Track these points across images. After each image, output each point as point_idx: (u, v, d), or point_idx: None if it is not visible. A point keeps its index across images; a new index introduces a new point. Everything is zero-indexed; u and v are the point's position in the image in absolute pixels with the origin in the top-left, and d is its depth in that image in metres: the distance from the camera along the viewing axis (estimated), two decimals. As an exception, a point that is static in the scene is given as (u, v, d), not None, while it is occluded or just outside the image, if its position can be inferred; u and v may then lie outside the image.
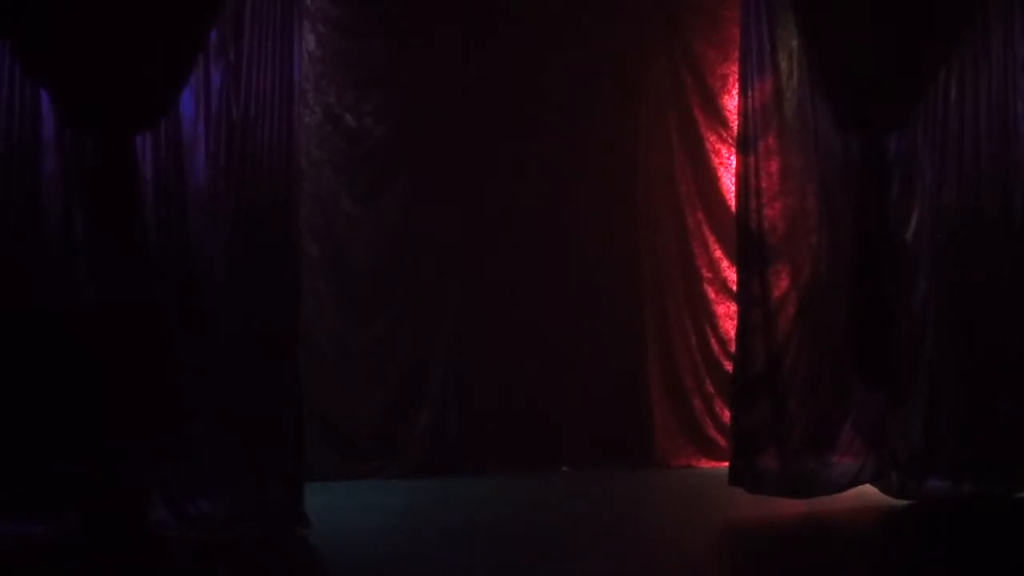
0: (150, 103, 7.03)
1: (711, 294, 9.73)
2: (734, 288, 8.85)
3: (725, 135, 9.63)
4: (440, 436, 9.25)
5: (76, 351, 6.92)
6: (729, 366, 8.85)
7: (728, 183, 9.36)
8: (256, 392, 7.17)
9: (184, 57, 7.05)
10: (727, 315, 9.52)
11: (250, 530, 7.08)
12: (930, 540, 7.19)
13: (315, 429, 8.33)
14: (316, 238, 8.97)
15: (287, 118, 7.30)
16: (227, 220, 7.24)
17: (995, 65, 7.93)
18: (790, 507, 7.68)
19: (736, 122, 8.29)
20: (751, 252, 7.93)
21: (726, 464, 8.09)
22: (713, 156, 9.75)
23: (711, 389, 9.67)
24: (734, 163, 8.52)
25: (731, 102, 9.46)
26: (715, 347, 9.68)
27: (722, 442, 9.19)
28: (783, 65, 7.91)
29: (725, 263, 9.62)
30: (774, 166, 7.93)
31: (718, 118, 9.73)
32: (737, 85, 8.18)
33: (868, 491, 7.86)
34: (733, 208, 8.42)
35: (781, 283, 7.93)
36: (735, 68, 8.63)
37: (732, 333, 8.69)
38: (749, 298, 7.93)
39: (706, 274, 9.75)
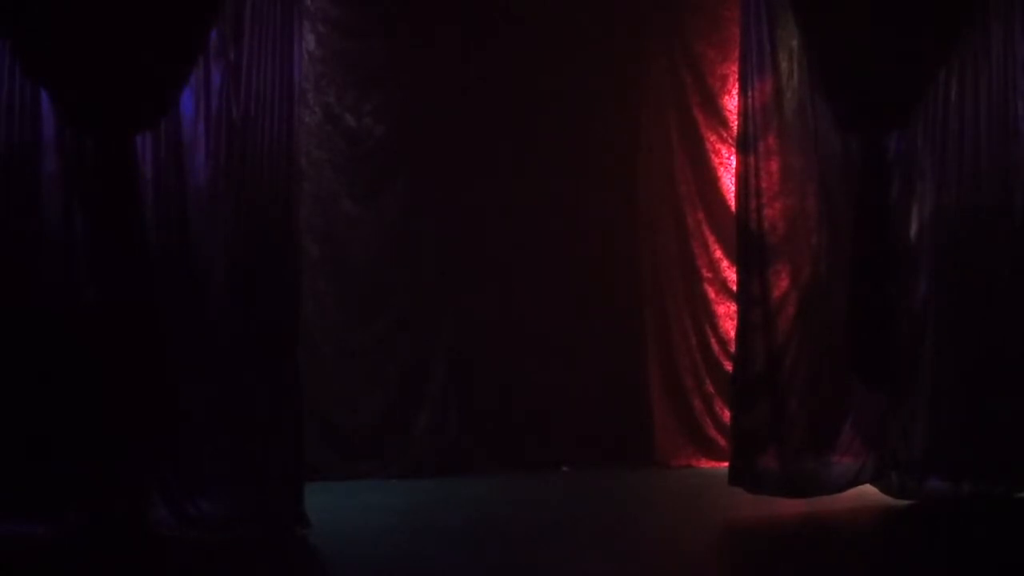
0: (150, 103, 7.03)
1: (711, 294, 9.73)
2: (734, 288, 8.85)
3: (725, 135, 9.63)
4: (440, 436, 9.25)
5: (76, 351, 6.92)
6: (729, 366, 8.84)
7: (728, 183, 9.36)
8: (256, 392, 7.17)
9: (184, 57, 7.05)
10: (727, 315, 9.51)
11: (250, 530, 7.08)
12: (930, 540, 7.19)
13: (315, 429, 8.33)
14: (316, 238, 8.96)
15: (287, 118, 7.29)
16: (227, 220, 7.24)
17: (995, 65, 7.93)
18: (790, 507, 7.68)
19: (736, 122, 8.29)
20: (751, 252, 7.94)
21: (726, 464, 8.09)
22: (713, 156, 9.74)
23: (711, 389, 9.66)
24: (734, 163, 8.52)
25: (731, 102, 9.45)
26: (715, 347, 9.67)
27: (722, 442, 9.19)
28: (783, 65, 7.91)
29: (725, 263, 9.62)
30: (774, 166, 7.93)
31: (718, 118, 9.73)
32: (737, 85, 8.18)
33: (868, 491, 7.86)
34: (733, 208, 8.42)
35: (781, 283, 7.93)
36: (735, 68, 8.63)
37: (732, 333, 8.69)
38: (749, 298, 7.93)
39: (706, 274, 9.74)
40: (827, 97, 7.80)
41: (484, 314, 9.34)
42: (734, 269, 8.87)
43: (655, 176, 9.89)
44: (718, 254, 9.70)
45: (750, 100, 7.88)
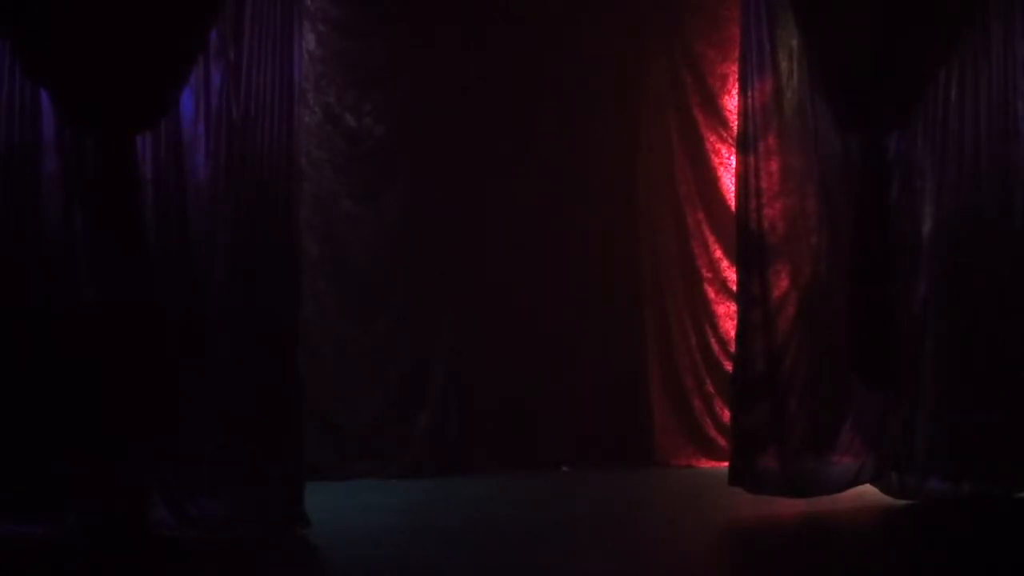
0: (150, 103, 7.03)
1: (711, 294, 9.73)
2: (734, 288, 8.85)
3: (725, 135, 9.63)
4: (440, 436, 9.25)
5: (76, 351, 6.91)
6: (729, 366, 8.85)
7: (728, 183, 9.36)
8: (256, 392, 7.17)
9: (184, 57, 7.05)
10: (727, 315, 9.52)
11: (250, 530, 7.08)
12: (930, 540, 7.19)
13: (315, 429, 8.33)
14: (316, 238, 8.97)
15: (287, 118, 7.29)
16: (227, 220, 7.23)
17: (995, 65, 7.92)
18: (790, 507, 7.68)
19: (736, 122, 8.28)
20: (751, 252, 7.94)
21: (726, 464, 8.09)
22: (713, 156, 9.75)
23: (711, 389, 9.67)
24: (734, 163, 8.51)
25: (731, 102, 9.46)
26: (715, 347, 9.68)
27: (722, 442, 9.19)
28: (783, 65, 7.91)
29: (725, 263, 9.62)
30: (774, 166, 7.93)
31: (718, 118, 9.73)
32: (737, 85, 8.18)
33: (868, 491, 7.86)
34: (733, 208, 8.41)
35: (781, 283, 7.93)
36: (735, 68, 8.63)
37: (732, 333, 8.69)
38: (749, 298, 7.93)
39: (706, 274, 9.75)
40: (827, 97, 7.80)
41: (484, 314, 9.35)
42: (734, 269, 8.87)
43: (655, 176, 9.90)
44: (718, 254, 9.70)
45: (750, 100, 7.88)
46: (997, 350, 7.82)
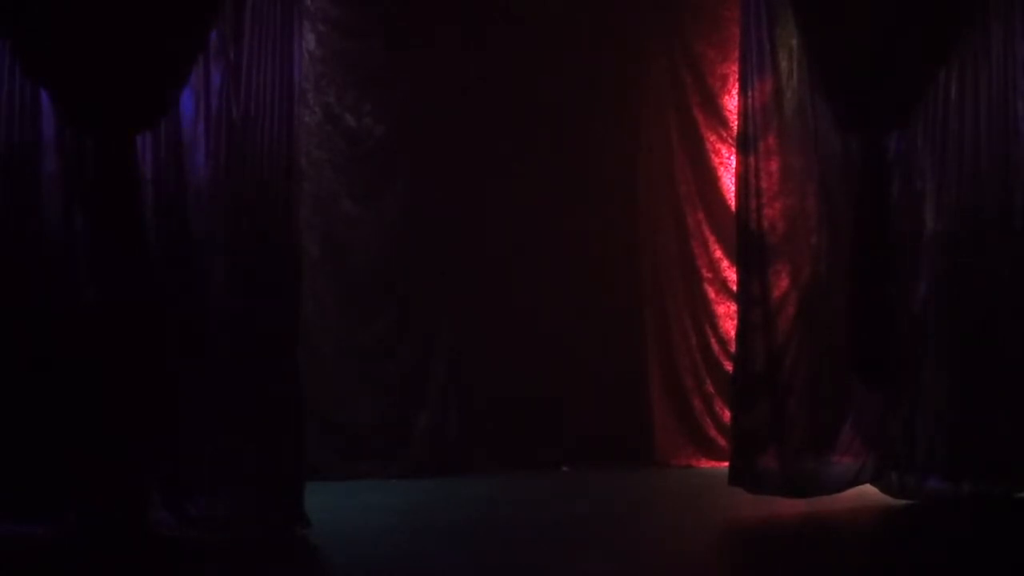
0: (150, 103, 7.02)
1: (711, 294, 9.73)
2: (734, 288, 8.85)
3: (725, 135, 9.63)
4: (440, 436, 9.25)
5: (76, 351, 6.91)
6: (729, 366, 8.85)
7: (728, 183, 9.36)
8: (256, 392, 7.16)
9: (184, 57, 7.05)
10: (727, 315, 9.51)
11: (250, 530, 7.08)
12: (930, 540, 7.19)
13: (315, 429, 8.30)
14: (316, 238, 8.96)
15: (287, 118, 7.29)
16: (227, 220, 7.23)
17: (995, 65, 7.92)
18: (790, 507, 7.68)
19: (736, 122, 8.28)
20: (751, 252, 7.93)
21: (726, 464, 8.09)
22: (713, 156, 9.75)
23: (711, 389, 9.67)
24: (734, 163, 8.51)
25: (731, 102, 9.46)
26: (715, 347, 9.68)
27: (722, 442, 9.19)
28: (783, 65, 7.90)
29: (725, 263, 9.62)
30: (774, 166, 7.93)
31: (718, 118, 9.73)
32: (737, 85, 8.18)
33: (868, 491, 7.86)
34: (733, 208, 8.41)
35: (781, 283, 7.93)
36: (735, 68, 8.62)
37: (732, 333, 8.69)
38: (749, 298, 7.92)
39: (706, 274, 9.75)
40: (827, 97, 7.79)
41: (484, 314, 9.35)
42: (734, 269, 8.87)
43: (655, 176, 9.90)
44: (718, 254, 9.70)
45: (750, 100, 7.87)
46: (997, 350, 7.82)
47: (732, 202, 8.63)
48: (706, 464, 9.50)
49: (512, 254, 9.43)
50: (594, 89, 9.61)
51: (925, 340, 7.88)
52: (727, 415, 8.93)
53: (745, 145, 7.92)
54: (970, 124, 7.90)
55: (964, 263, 7.87)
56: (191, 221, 7.18)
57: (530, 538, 7.27)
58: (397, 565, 6.67)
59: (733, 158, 8.88)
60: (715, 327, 9.69)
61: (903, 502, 7.81)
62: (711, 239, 9.74)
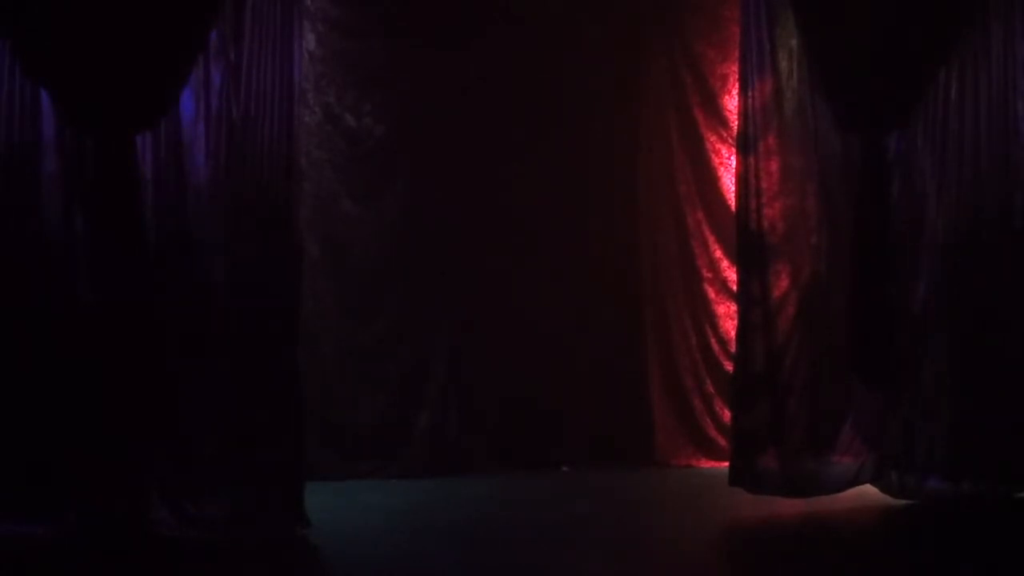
0: (150, 103, 7.03)
1: (711, 294, 9.73)
2: (734, 288, 8.85)
3: (725, 135, 9.63)
4: (440, 436, 9.25)
5: (76, 351, 6.91)
6: (729, 366, 8.85)
7: (728, 183, 9.35)
8: (256, 392, 7.17)
9: (184, 57, 7.05)
10: (727, 315, 9.51)
11: (250, 530, 7.08)
12: (930, 540, 7.19)
13: (315, 429, 8.31)
14: (316, 238, 8.95)
15: (287, 118, 7.29)
16: (227, 220, 7.23)
17: (995, 65, 7.92)
18: (790, 507, 7.68)
19: (736, 122, 8.28)
20: (751, 252, 7.94)
21: (726, 464, 8.09)
22: (713, 156, 9.75)
23: (711, 389, 9.66)
24: (734, 163, 8.51)
25: (731, 102, 9.46)
26: (715, 347, 9.68)
27: (722, 442, 9.19)
28: (783, 65, 7.91)
29: (725, 263, 9.62)
30: (774, 166, 7.93)
31: (718, 118, 9.73)
32: (737, 85, 8.18)
33: (868, 491, 7.86)
34: (733, 208, 8.41)
35: (781, 283, 7.93)
36: (735, 68, 8.62)
37: (732, 333, 8.70)
38: (749, 298, 7.93)
39: (706, 274, 9.75)
40: (827, 97, 7.79)
41: (484, 314, 9.35)
42: (734, 269, 8.87)
43: (655, 176, 9.89)
44: (718, 254, 9.70)
45: (750, 100, 7.88)
46: (997, 350, 7.82)
47: (732, 202, 8.63)
48: (706, 464, 9.50)
49: (512, 254, 9.43)
50: (594, 89, 9.60)
51: (925, 340, 7.88)
52: (727, 415, 8.93)
53: (745, 145, 7.92)
54: (970, 124, 7.91)
55: (964, 263, 7.87)
56: (191, 221, 7.19)
57: (530, 538, 7.27)
58: (397, 565, 6.67)
59: (733, 158, 8.88)
60: (715, 327, 9.69)
61: (903, 502, 7.81)
62: (711, 239, 9.74)
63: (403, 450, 9.16)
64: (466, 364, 9.35)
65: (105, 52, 6.83)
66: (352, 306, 9.18)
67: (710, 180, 9.76)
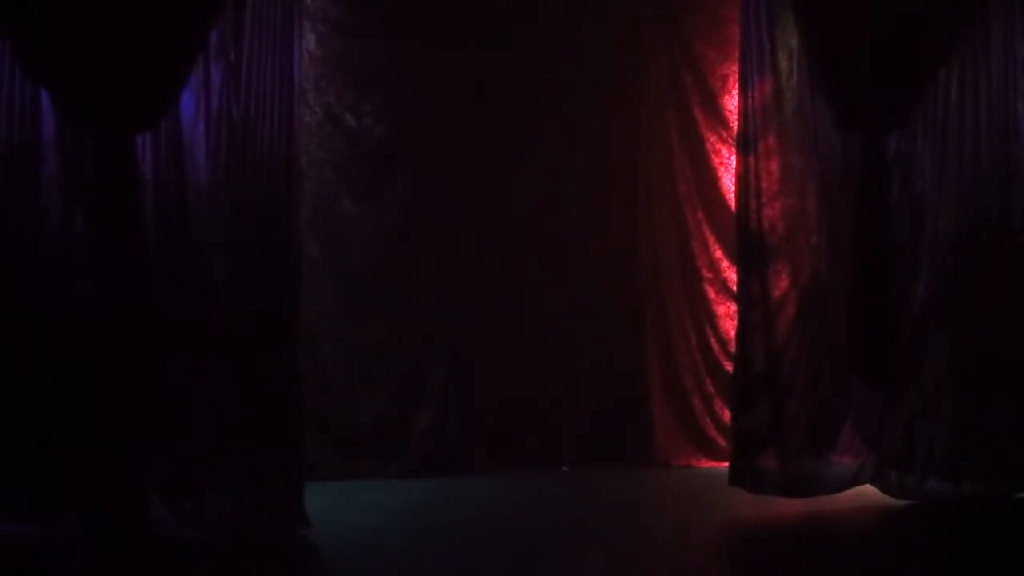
0: (150, 103, 7.03)
1: (711, 294, 9.73)
2: (734, 288, 8.85)
3: (725, 135, 9.63)
4: (440, 436, 9.25)
5: (76, 351, 6.91)
6: (729, 366, 8.85)
7: (728, 183, 9.35)
8: (256, 392, 7.17)
9: (184, 57, 7.05)
10: (727, 315, 9.51)
11: (250, 530, 7.08)
12: (930, 540, 7.19)
13: (315, 429, 8.32)
14: (316, 238, 8.96)
15: (287, 118, 7.29)
16: (227, 220, 7.23)
17: (995, 65, 7.92)
18: (790, 507, 7.68)
19: (736, 122, 8.28)
20: (751, 252, 7.94)
21: (726, 464, 8.09)
22: (713, 156, 9.75)
23: (711, 389, 9.66)
24: (734, 163, 8.51)
25: (731, 102, 9.45)
26: (715, 347, 9.68)
27: (722, 442, 9.20)
28: (783, 65, 7.91)
29: (725, 263, 9.62)
30: (774, 166, 7.93)
31: (718, 118, 9.73)
32: (737, 85, 8.18)
33: (868, 491, 7.86)
34: (733, 208, 8.41)
35: (781, 283, 7.93)
36: (735, 68, 8.63)
37: (732, 333, 8.70)
38: (749, 298, 7.93)
39: (706, 274, 9.74)
40: (827, 97, 7.79)
41: (484, 314, 9.35)
42: (734, 269, 8.87)
43: (655, 176, 9.89)
44: (718, 254, 9.70)
45: (750, 100, 7.88)
46: (997, 350, 7.82)
47: (732, 202, 8.63)
48: (706, 464, 9.50)
49: (512, 254, 9.43)
50: (594, 89, 9.60)
51: (925, 340, 7.88)
52: (727, 415, 8.93)
53: (745, 145, 7.92)
54: (970, 124, 7.90)
55: (964, 263, 7.87)
56: (191, 221, 7.19)
57: (530, 538, 7.27)
58: (397, 565, 6.67)
59: (733, 158, 8.88)
60: (715, 327, 9.69)
61: (903, 502, 7.81)
62: (711, 239, 9.74)
63: (403, 450, 9.16)
64: (466, 364, 9.35)
65: (105, 52, 6.83)
66: (352, 306, 9.18)
67: (710, 180, 9.76)
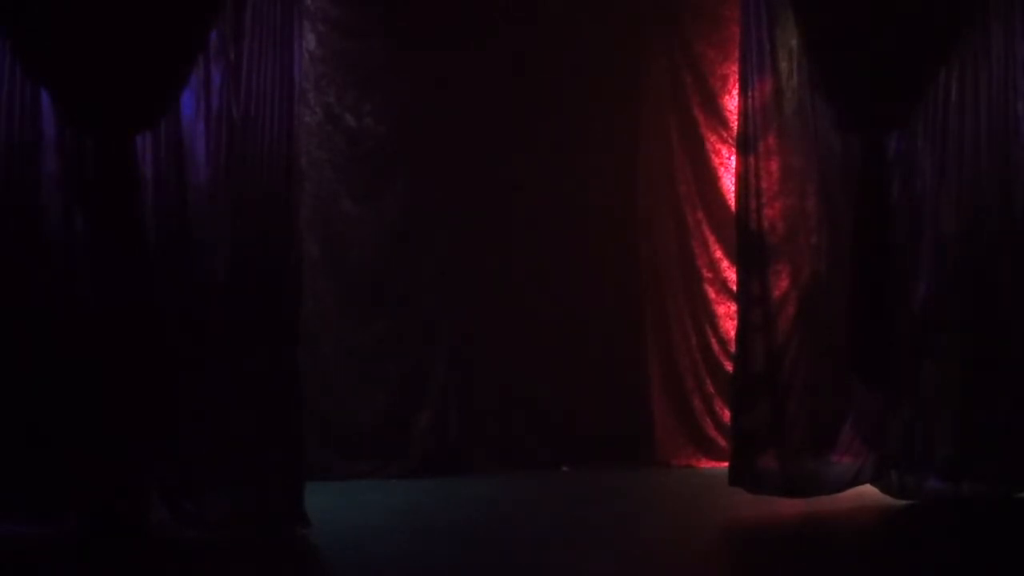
0: (150, 103, 7.03)
1: (711, 294, 9.73)
2: (734, 288, 8.85)
3: (725, 135, 9.63)
4: (440, 436, 9.26)
5: (76, 351, 6.91)
6: (729, 366, 8.85)
7: (728, 183, 9.35)
8: (256, 392, 7.17)
9: (184, 57, 7.05)
10: (727, 315, 9.51)
11: (250, 530, 7.08)
12: (930, 540, 7.19)
13: (315, 429, 8.33)
14: (316, 238, 8.96)
15: (287, 118, 7.29)
16: (227, 220, 7.23)
17: (995, 65, 7.92)
18: (790, 507, 7.68)
19: (736, 122, 8.28)
20: (751, 252, 7.94)
21: (726, 464, 8.09)
22: (713, 156, 9.75)
23: (711, 389, 9.66)
24: (734, 163, 8.51)
25: (731, 102, 9.45)
26: (715, 347, 9.68)
27: (722, 442, 9.19)
28: (783, 65, 7.90)
29: (725, 263, 9.62)
30: (774, 166, 7.93)
31: (718, 118, 9.73)
32: (737, 85, 8.18)
33: (868, 491, 7.86)
34: (733, 208, 8.41)
35: (781, 283, 7.93)
36: (735, 68, 8.62)
37: (732, 333, 8.69)
38: (749, 298, 7.93)
39: (706, 274, 9.74)
40: (827, 97, 7.79)
41: (484, 314, 9.35)
42: (734, 269, 8.86)
43: (655, 176, 9.89)
44: (718, 254, 9.70)
45: (750, 100, 7.88)
46: (997, 350, 7.82)
47: (732, 202, 8.62)
48: (706, 464, 9.50)
49: (512, 254, 9.44)
50: (594, 89, 9.61)
51: (925, 340, 7.88)
52: (727, 415, 8.93)
53: (745, 145, 7.92)
54: (970, 124, 7.90)
55: (964, 263, 7.87)
56: (191, 221, 7.19)
57: (530, 538, 7.27)
58: (397, 565, 6.67)
59: (733, 158, 8.88)
60: (715, 327, 9.69)
61: (903, 502, 7.81)
62: (711, 239, 9.74)
63: (403, 450, 9.16)
64: (466, 364, 9.35)
65: (105, 52, 6.83)
66: (352, 306, 9.18)
67: (710, 180, 9.76)
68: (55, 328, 6.92)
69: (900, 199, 7.88)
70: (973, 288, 7.86)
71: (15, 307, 6.91)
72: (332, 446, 8.88)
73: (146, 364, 6.95)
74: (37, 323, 6.91)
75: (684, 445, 9.69)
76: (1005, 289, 7.86)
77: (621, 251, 9.84)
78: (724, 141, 9.66)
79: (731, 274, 9.37)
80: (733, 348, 8.33)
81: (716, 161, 9.73)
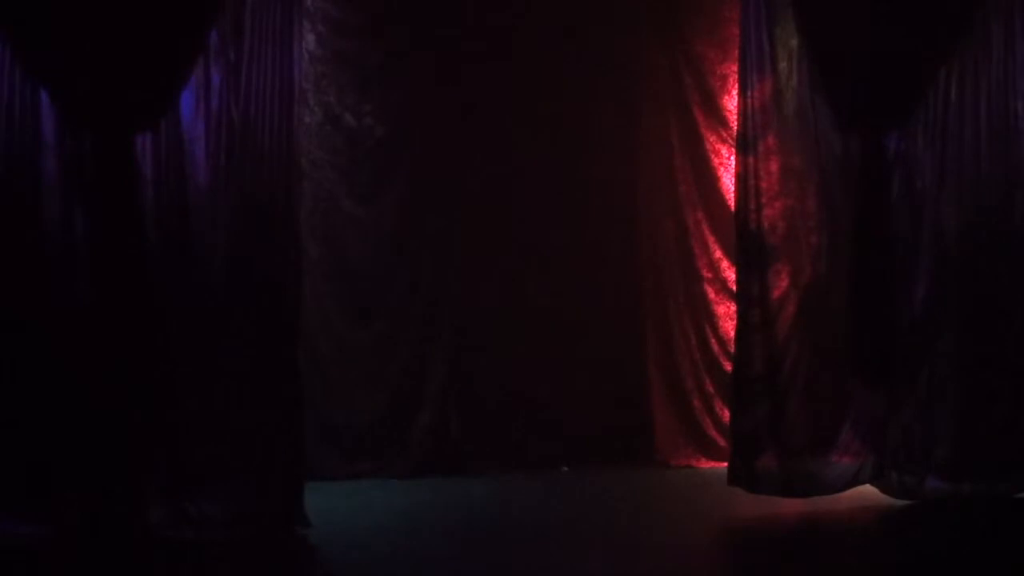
0: (150, 103, 7.04)
1: (711, 294, 9.72)
2: (734, 288, 8.83)
3: (725, 135, 9.62)
4: (440, 436, 9.24)
5: (75, 351, 6.91)
6: (729, 366, 8.83)
7: (728, 183, 9.34)
8: (255, 392, 7.17)
9: (184, 57, 7.06)
10: (727, 315, 9.50)
11: (250, 530, 7.08)
12: (930, 540, 7.19)
13: (315, 429, 8.31)
14: (316, 238, 8.95)
15: (287, 118, 7.29)
16: (227, 220, 7.24)
17: (995, 65, 7.93)
18: (790, 507, 7.69)
19: (736, 122, 8.28)
20: (751, 252, 7.93)
21: (726, 464, 8.09)
22: (713, 156, 9.73)
23: (711, 389, 9.65)
24: (734, 163, 8.51)
25: (731, 102, 9.44)
26: (715, 347, 9.66)
27: (722, 442, 9.18)
28: (783, 65, 7.91)
29: (725, 263, 9.61)
30: (774, 166, 7.93)
31: (718, 118, 9.72)
32: (737, 85, 8.18)
33: (868, 491, 7.86)
34: (733, 208, 8.40)
35: (781, 283, 7.93)
36: (735, 68, 8.62)
37: (732, 333, 8.67)
38: (749, 298, 7.93)
39: (706, 274, 9.73)
40: (827, 97, 7.80)
41: (484, 314, 9.34)
42: (734, 269, 8.86)
43: (655, 176, 9.88)
44: (718, 254, 9.69)
45: (750, 100, 7.88)
46: (997, 350, 7.83)
47: (732, 202, 8.62)
48: (706, 464, 9.48)
49: (512, 254, 9.43)
50: (594, 89, 9.60)
51: (925, 340, 7.88)
52: (727, 415, 8.91)
53: (745, 145, 7.92)
54: (970, 124, 7.91)
55: (964, 263, 7.87)
56: (191, 221, 7.19)
57: (530, 538, 7.27)
58: (397, 565, 6.68)
59: (733, 158, 8.87)
60: (715, 327, 9.68)
61: (903, 502, 7.81)
62: (711, 239, 9.73)
63: (403, 450, 9.15)
64: (466, 364, 9.34)
65: (105, 52, 6.84)
66: (352, 306, 9.17)
67: (710, 180, 9.75)
68: (55, 328, 6.92)
69: (900, 199, 7.89)
70: (973, 288, 7.86)
71: (15, 307, 6.91)
72: (332, 446, 8.87)
73: (146, 364, 6.95)
74: (37, 323, 6.91)
75: (683, 445, 9.67)
76: (1005, 289, 7.86)
77: (621, 251, 9.83)
78: (724, 141, 9.65)
79: (731, 274, 9.36)
80: (733, 348, 8.31)
81: (716, 161, 9.72)
